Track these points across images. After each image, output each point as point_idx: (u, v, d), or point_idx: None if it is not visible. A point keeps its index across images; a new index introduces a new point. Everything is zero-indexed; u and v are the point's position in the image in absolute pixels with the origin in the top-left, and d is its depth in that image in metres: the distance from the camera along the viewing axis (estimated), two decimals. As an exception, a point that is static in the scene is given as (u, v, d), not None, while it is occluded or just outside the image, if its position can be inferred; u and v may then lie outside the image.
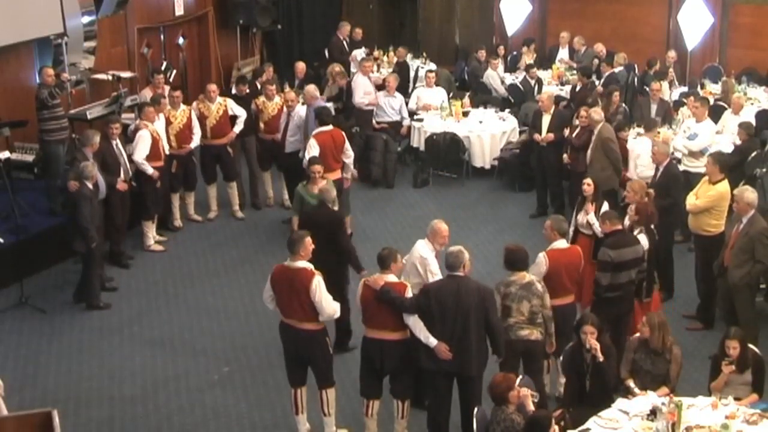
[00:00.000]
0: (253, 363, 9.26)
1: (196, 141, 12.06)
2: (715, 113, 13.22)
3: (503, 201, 13.37)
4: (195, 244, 11.94)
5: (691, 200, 9.77)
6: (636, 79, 15.35)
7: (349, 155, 11.43)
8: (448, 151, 13.65)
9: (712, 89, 14.90)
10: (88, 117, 12.47)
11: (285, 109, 12.20)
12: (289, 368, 7.93)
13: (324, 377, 7.84)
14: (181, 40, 15.81)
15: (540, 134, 12.38)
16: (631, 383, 7.64)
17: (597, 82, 14.50)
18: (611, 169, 11.15)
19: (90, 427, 8.27)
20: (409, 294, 7.50)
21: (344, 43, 16.20)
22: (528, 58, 16.61)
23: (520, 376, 7.27)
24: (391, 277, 7.60)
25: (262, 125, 12.58)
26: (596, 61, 15.60)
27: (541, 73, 16.02)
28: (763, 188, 12.28)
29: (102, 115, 12.57)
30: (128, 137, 11.40)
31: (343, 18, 18.15)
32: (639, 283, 8.68)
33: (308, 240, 7.71)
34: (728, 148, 11.95)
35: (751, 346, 7.74)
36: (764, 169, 12.12)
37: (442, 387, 7.63)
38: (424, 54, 17.53)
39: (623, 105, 13.21)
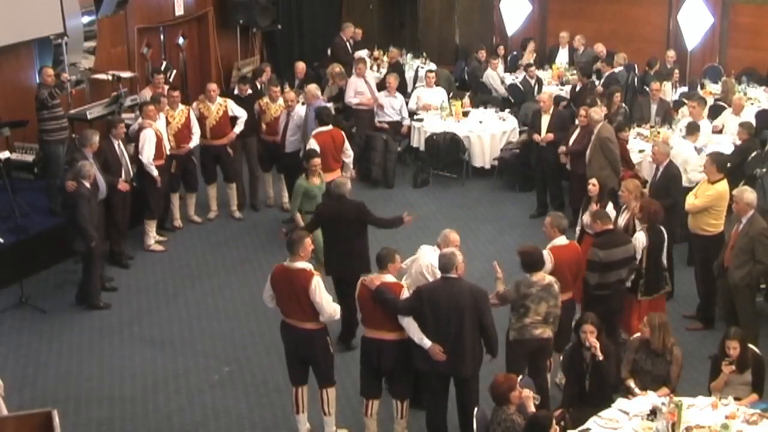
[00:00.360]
0: (253, 363, 9.26)
1: (195, 141, 12.04)
2: (715, 113, 13.23)
3: (503, 201, 13.37)
4: (195, 244, 11.94)
5: (690, 200, 9.77)
6: (636, 79, 15.35)
7: (348, 155, 11.46)
8: (448, 151, 13.65)
9: (712, 89, 14.91)
10: (88, 117, 12.48)
11: (285, 108, 12.20)
12: (290, 367, 7.93)
13: (324, 376, 7.84)
14: (181, 40, 15.82)
15: (539, 134, 12.38)
16: (631, 383, 7.64)
17: (597, 82, 14.50)
18: (609, 169, 11.15)
19: (90, 427, 8.27)
20: (404, 295, 7.50)
21: (348, 44, 16.20)
22: (528, 57, 16.62)
23: (520, 377, 7.27)
24: (389, 277, 7.60)
25: (264, 126, 12.57)
26: (597, 64, 15.59)
27: (541, 73, 16.02)
28: (763, 188, 12.30)
29: (102, 115, 12.59)
30: (129, 137, 11.39)
31: (343, 18, 18.16)
32: (635, 280, 8.70)
33: (308, 241, 7.71)
34: (728, 148, 11.96)
35: (751, 346, 7.74)
36: (764, 169, 12.13)
37: (438, 388, 7.64)
38: (424, 54, 17.53)
39: (623, 105, 13.21)
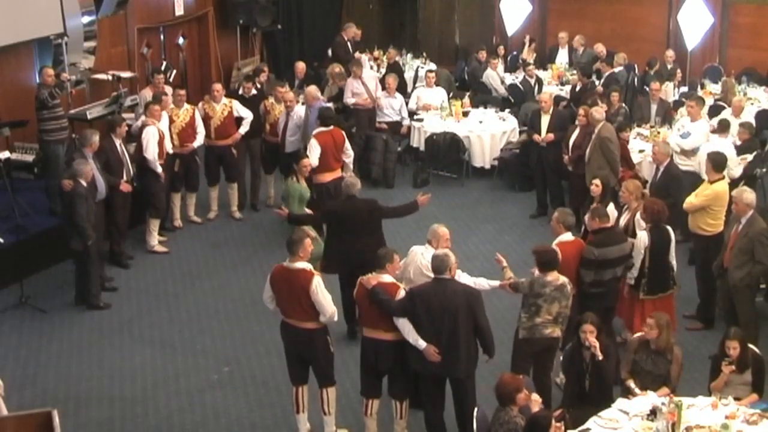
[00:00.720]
0: (253, 363, 9.26)
1: (199, 140, 12.03)
2: (715, 113, 13.22)
3: (503, 201, 13.37)
4: (195, 244, 11.94)
5: (689, 199, 9.77)
6: (636, 79, 15.35)
7: (349, 155, 11.48)
8: (448, 151, 13.65)
9: (712, 89, 14.91)
10: (88, 117, 12.48)
11: (284, 109, 12.20)
12: (290, 367, 7.93)
13: (324, 376, 7.84)
14: (181, 40, 15.82)
15: (539, 134, 12.39)
16: (631, 383, 7.63)
17: (597, 82, 14.50)
18: (608, 168, 11.15)
19: (90, 427, 8.27)
20: (400, 295, 7.48)
21: (349, 44, 16.20)
22: (529, 56, 16.61)
23: (520, 377, 7.27)
24: (386, 277, 7.59)
25: (268, 127, 12.57)
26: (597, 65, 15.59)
27: (541, 73, 16.02)
28: (763, 188, 12.29)
29: (102, 115, 12.59)
30: (131, 136, 11.39)
31: (343, 18, 18.16)
32: (638, 279, 8.71)
33: (308, 241, 7.70)
34: (728, 149, 11.93)
35: (751, 346, 7.74)
36: (764, 169, 12.13)
37: (434, 388, 7.63)
38: (424, 54, 17.53)
39: (623, 105, 13.21)
